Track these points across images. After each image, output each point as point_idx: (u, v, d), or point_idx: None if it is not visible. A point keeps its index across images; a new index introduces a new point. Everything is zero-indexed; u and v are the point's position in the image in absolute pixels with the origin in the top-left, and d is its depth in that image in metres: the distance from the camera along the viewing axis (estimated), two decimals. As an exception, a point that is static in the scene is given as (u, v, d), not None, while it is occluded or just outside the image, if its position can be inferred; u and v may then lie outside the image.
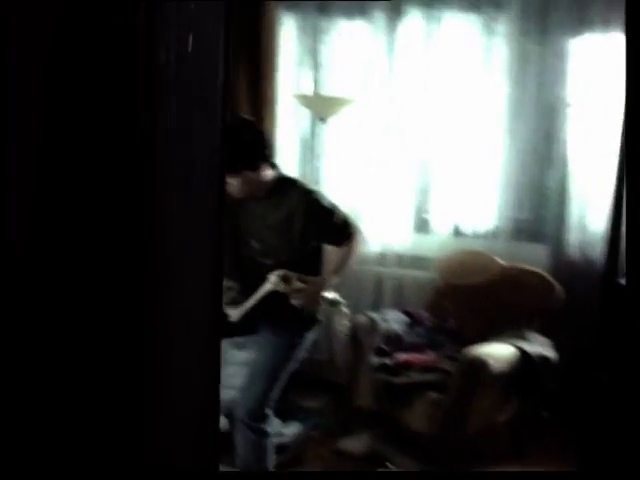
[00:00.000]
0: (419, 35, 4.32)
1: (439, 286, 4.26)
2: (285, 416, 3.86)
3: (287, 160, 4.63)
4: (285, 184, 3.09)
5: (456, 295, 4.16)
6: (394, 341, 3.90)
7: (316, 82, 4.62)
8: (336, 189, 4.54)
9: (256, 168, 2.98)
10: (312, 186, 3.17)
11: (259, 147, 3.01)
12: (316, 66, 4.60)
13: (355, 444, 3.77)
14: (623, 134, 3.63)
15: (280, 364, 3.15)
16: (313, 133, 4.66)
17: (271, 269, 3.04)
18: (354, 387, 3.87)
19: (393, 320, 3.99)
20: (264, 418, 3.12)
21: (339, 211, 3.10)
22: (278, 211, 3.03)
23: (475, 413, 3.44)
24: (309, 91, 4.60)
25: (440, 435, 3.48)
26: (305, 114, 4.64)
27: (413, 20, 4.32)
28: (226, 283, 3.09)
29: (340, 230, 3.10)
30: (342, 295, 4.50)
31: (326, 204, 3.07)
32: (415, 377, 3.63)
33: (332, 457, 3.76)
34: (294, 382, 4.46)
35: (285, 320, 3.13)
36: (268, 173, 3.05)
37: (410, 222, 4.47)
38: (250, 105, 4.53)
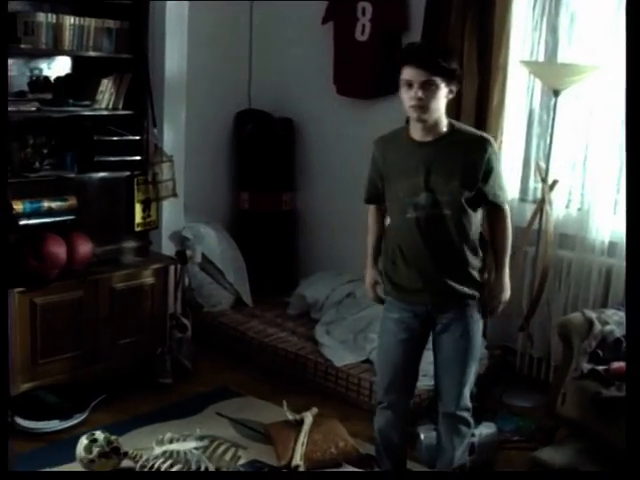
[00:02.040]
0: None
1: (677, 286, 3.69)
2: (480, 415, 3.58)
3: (514, 133, 4.27)
4: (458, 129, 2.94)
5: (696, 299, 3.57)
6: (611, 346, 3.43)
7: (552, 48, 4.17)
8: (565, 168, 4.11)
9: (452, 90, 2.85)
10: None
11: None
12: (553, 30, 4.14)
13: (554, 455, 3.38)
14: None
15: (478, 344, 3.04)
16: (544, 105, 4.23)
17: (445, 221, 2.87)
18: (560, 393, 3.47)
19: (614, 321, 3.51)
20: (469, 407, 3.10)
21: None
22: (456, 154, 2.86)
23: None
24: (543, 58, 4.17)
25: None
26: (537, 84, 4.22)
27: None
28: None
29: (500, 193, 2.96)
30: (554, 288, 4.12)
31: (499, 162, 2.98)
32: (629, 392, 3.17)
33: (525, 465, 3.42)
34: (506, 378, 4.22)
35: (470, 297, 2.98)
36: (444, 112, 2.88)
37: (648, 209, 3.90)
38: (480, 71, 4.23)
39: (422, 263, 2.93)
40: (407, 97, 2.81)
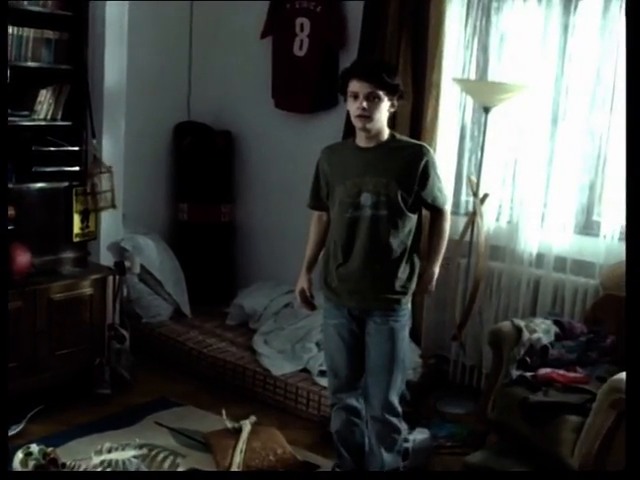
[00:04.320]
0: (597, 17, 3.89)
1: (600, 297, 3.86)
2: (415, 422, 3.69)
3: (446, 148, 4.40)
4: (399, 138, 3.14)
5: (618, 309, 3.73)
6: (538, 353, 3.57)
7: (483, 67, 4.33)
8: (495, 182, 4.26)
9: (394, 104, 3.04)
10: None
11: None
12: (484, 49, 4.30)
13: (483, 458, 3.51)
14: None
15: (404, 349, 3.16)
16: (475, 121, 4.38)
17: (381, 221, 3.02)
18: (490, 399, 3.60)
19: (541, 330, 3.65)
20: (399, 412, 3.20)
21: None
22: (395, 159, 3.04)
23: (618, 449, 3.04)
24: (474, 76, 4.32)
25: (576, 464, 3.14)
26: (468, 101, 4.37)
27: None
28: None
29: (439, 196, 3.14)
30: (486, 298, 4.26)
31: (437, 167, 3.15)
32: (554, 396, 3.31)
33: (457, 469, 3.54)
34: (440, 386, 4.35)
35: (395, 302, 3.10)
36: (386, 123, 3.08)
37: (572, 222, 4.07)
38: (414, 88, 4.36)
39: (352, 263, 3.08)
40: (353, 108, 3.02)
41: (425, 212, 3.23)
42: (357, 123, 3.03)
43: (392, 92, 3.00)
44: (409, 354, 3.30)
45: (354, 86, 2.98)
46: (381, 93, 2.96)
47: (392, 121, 4.33)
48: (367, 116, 2.97)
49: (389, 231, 3.03)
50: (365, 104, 2.96)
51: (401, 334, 3.13)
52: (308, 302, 3.31)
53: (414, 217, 3.09)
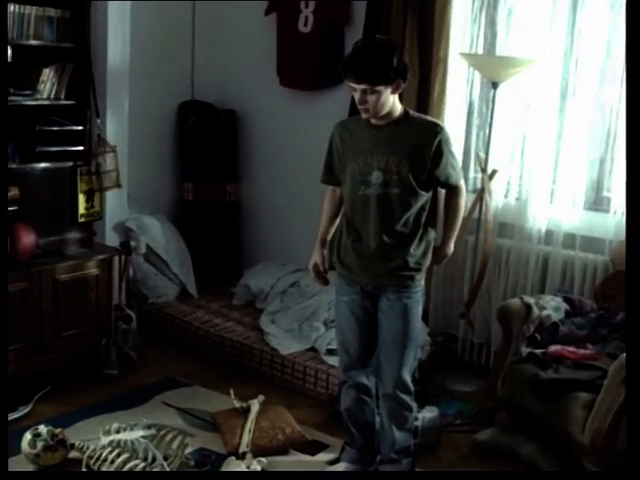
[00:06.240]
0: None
1: (610, 273, 3.83)
2: (424, 400, 3.67)
3: (453, 125, 4.34)
4: (412, 115, 3.08)
5: (628, 284, 3.72)
6: (548, 330, 3.55)
7: (490, 42, 4.27)
8: (504, 158, 4.22)
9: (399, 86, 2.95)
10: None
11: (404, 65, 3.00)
12: (491, 24, 4.24)
13: (493, 436, 3.51)
14: None
15: (417, 326, 3.13)
16: (483, 97, 4.33)
17: (393, 199, 2.99)
18: (500, 376, 3.58)
19: (551, 307, 3.63)
20: (411, 390, 3.19)
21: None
22: (407, 138, 2.99)
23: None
24: (482, 51, 4.27)
25: (587, 441, 3.13)
26: (476, 76, 4.32)
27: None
28: None
29: (452, 173, 3.09)
30: (494, 275, 4.23)
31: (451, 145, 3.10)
32: (565, 373, 3.30)
33: (467, 447, 3.53)
34: (448, 364, 4.33)
35: (409, 278, 3.08)
36: (397, 100, 3.01)
37: (582, 198, 4.03)
38: (421, 64, 4.31)
39: (366, 240, 3.06)
40: (355, 99, 2.98)
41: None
42: (361, 113, 3.01)
43: (389, 81, 2.90)
44: (421, 332, 3.26)
45: (350, 81, 2.93)
46: (376, 87, 2.89)
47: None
48: (367, 109, 2.95)
49: (401, 209, 3.00)
50: (363, 98, 2.92)
51: (414, 310, 3.11)
52: (321, 277, 3.28)
53: (427, 194, 3.05)
